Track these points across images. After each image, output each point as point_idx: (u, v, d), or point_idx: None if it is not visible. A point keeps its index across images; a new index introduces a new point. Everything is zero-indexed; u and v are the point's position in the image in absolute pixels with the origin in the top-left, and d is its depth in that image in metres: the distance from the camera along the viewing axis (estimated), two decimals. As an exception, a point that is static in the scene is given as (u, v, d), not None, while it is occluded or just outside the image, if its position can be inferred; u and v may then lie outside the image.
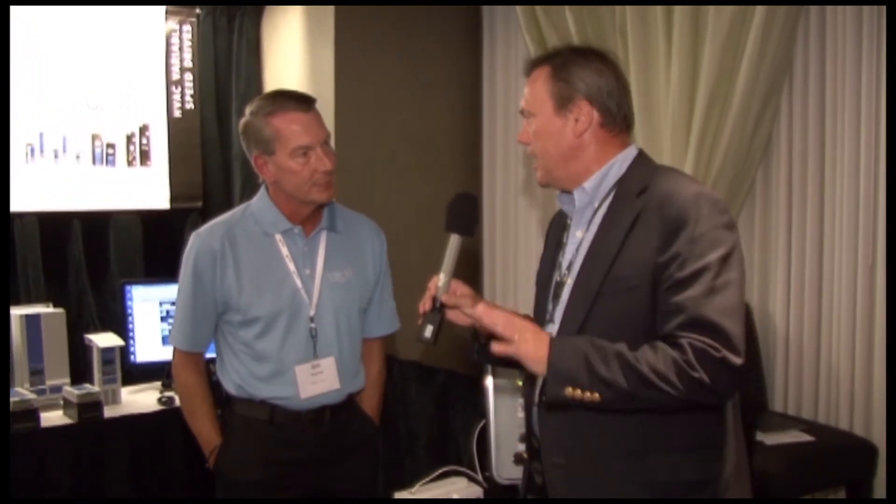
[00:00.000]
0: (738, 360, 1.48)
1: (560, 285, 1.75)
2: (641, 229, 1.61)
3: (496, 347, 1.59)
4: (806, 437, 3.01)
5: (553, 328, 1.72)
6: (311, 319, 2.22)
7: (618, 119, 1.71)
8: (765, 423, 3.12)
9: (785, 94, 3.28)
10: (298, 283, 2.22)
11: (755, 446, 2.91)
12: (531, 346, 1.56)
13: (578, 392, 1.53)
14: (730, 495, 1.66)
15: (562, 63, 1.71)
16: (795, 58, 3.24)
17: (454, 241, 1.72)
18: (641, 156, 1.74)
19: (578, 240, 1.73)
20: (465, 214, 1.76)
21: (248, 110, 2.21)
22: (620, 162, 1.72)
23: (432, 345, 1.66)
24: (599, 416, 1.60)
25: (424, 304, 1.68)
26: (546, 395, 1.58)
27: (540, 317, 1.80)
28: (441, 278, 1.68)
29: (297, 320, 2.21)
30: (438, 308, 1.67)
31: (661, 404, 1.52)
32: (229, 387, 2.26)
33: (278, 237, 2.23)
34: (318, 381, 2.21)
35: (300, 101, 2.18)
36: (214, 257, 2.18)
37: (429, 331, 1.65)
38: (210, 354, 2.36)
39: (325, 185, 2.17)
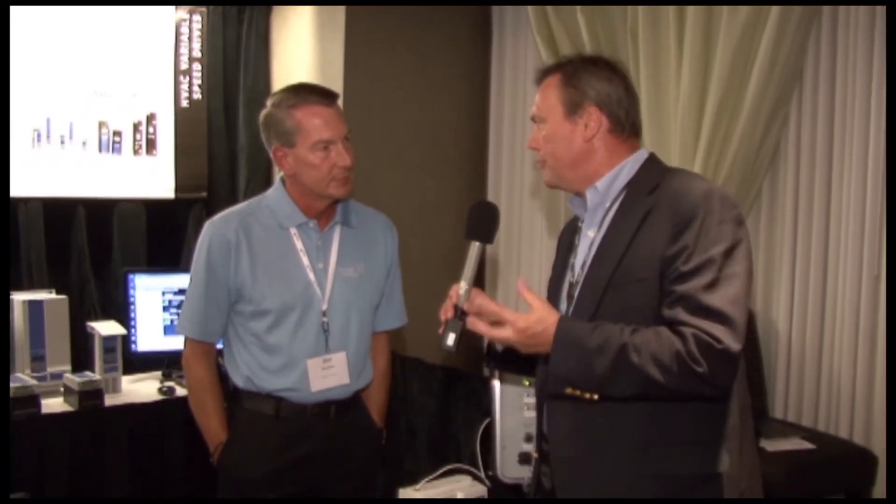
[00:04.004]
0: (736, 347, 1.52)
1: (574, 286, 1.76)
2: (652, 224, 1.64)
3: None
4: (806, 445, 3.02)
5: None
6: (324, 314, 2.21)
7: (626, 126, 1.75)
8: (765, 429, 3.13)
9: (794, 103, 3.29)
10: (311, 276, 2.21)
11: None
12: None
13: (578, 392, 1.60)
14: (743, 493, 1.67)
15: (573, 70, 1.75)
16: (806, 66, 3.24)
17: (474, 248, 1.73)
18: (652, 158, 1.78)
19: (591, 239, 1.75)
20: (485, 222, 1.77)
21: (269, 102, 2.21)
22: (632, 164, 1.75)
23: (454, 352, 1.66)
24: (606, 409, 1.62)
25: (446, 312, 1.69)
26: (548, 390, 1.67)
27: None
28: (462, 286, 1.69)
29: (309, 314, 2.20)
30: (460, 316, 1.67)
31: (657, 396, 1.56)
32: (237, 379, 2.25)
33: (293, 230, 2.22)
34: (328, 376, 2.21)
35: (323, 96, 2.18)
36: (229, 246, 2.18)
37: (451, 338, 1.66)
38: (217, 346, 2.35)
39: (343, 181, 2.17)
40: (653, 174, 1.72)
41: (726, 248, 1.57)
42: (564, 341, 1.58)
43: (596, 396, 1.59)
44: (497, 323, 1.62)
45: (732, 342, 1.51)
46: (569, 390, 1.60)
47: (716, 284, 1.54)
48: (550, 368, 1.60)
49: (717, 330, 1.51)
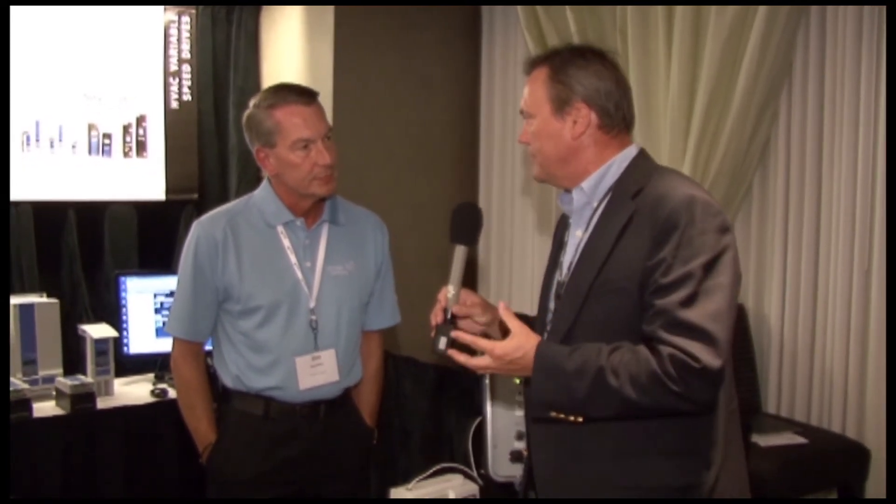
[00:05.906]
0: (716, 364, 1.47)
1: (562, 285, 1.74)
2: (633, 232, 1.60)
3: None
4: (799, 440, 3.03)
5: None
6: (312, 311, 2.21)
7: (616, 120, 1.70)
8: (758, 424, 3.14)
9: (784, 98, 3.30)
10: (299, 274, 2.21)
11: (749, 448, 2.93)
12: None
13: (562, 416, 1.58)
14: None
15: (560, 64, 1.70)
16: (795, 62, 3.25)
17: (459, 251, 1.72)
18: (641, 155, 1.73)
19: (578, 239, 1.73)
20: (468, 225, 1.77)
21: (251, 103, 2.20)
22: (619, 162, 1.71)
23: (446, 355, 1.66)
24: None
25: (436, 316, 1.69)
26: (531, 415, 1.64)
27: (542, 316, 1.80)
28: (450, 290, 1.69)
29: (297, 312, 2.20)
30: (450, 319, 1.67)
31: (638, 415, 1.55)
32: (226, 379, 2.25)
33: (280, 229, 2.22)
34: (317, 373, 2.21)
35: (302, 95, 2.17)
36: (216, 245, 2.17)
37: (443, 342, 1.66)
38: (206, 346, 2.34)
39: (325, 179, 2.16)
40: (639, 175, 1.67)
41: (707, 259, 1.52)
42: (543, 367, 1.57)
43: (580, 419, 1.57)
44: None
45: (711, 359, 1.46)
46: (552, 414, 1.58)
47: (695, 299, 1.50)
48: (531, 394, 1.58)
49: (695, 347, 1.47)
